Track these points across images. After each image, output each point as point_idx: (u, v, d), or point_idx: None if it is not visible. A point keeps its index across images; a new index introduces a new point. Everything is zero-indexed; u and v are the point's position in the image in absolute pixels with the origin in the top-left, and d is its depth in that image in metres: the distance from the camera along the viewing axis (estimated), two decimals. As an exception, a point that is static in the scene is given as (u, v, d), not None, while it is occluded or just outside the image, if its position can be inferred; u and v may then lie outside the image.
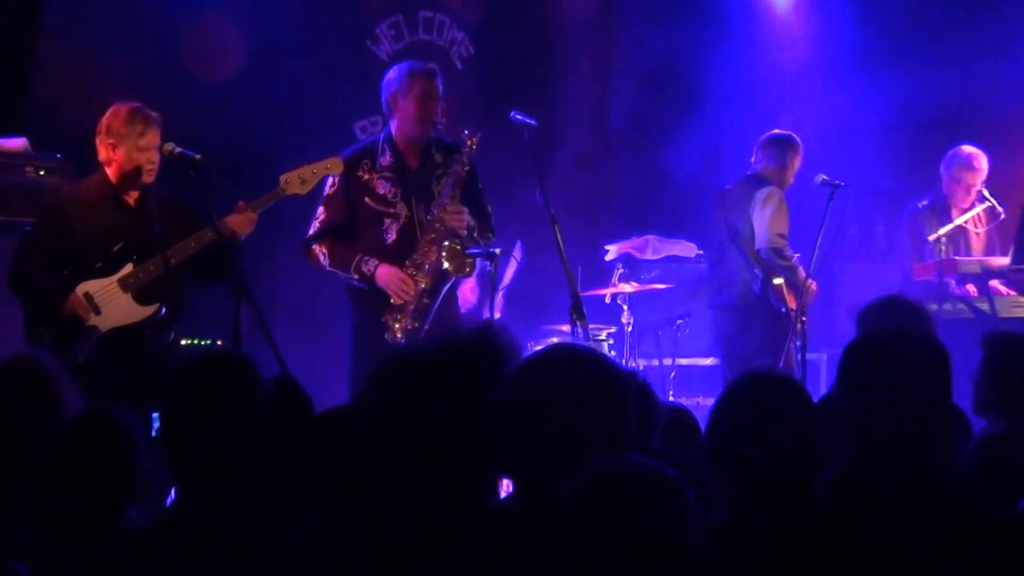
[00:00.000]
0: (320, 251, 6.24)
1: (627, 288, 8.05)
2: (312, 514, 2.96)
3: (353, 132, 8.67)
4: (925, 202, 8.25)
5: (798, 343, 7.23)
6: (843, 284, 9.11)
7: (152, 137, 5.77)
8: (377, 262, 6.13)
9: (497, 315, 6.70)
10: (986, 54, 9.35)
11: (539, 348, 2.55)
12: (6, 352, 4.17)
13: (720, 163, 8.70)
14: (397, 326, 6.11)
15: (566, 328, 6.78)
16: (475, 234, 6.24)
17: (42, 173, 6.63)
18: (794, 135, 7.83)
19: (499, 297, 6.88)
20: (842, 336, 6.98)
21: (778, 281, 7.55)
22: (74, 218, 5.77)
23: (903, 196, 8.72)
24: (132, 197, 5.85)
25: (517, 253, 8.30)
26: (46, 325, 5.69)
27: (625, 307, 8.10)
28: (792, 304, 7.49)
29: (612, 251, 9.07)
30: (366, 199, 6.22)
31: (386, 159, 6.27)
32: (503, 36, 9.37)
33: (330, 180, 6.16)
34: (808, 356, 7.39)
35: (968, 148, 8.18)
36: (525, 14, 9.45)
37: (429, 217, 6.19)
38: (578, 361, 2.51)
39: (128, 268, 5.75)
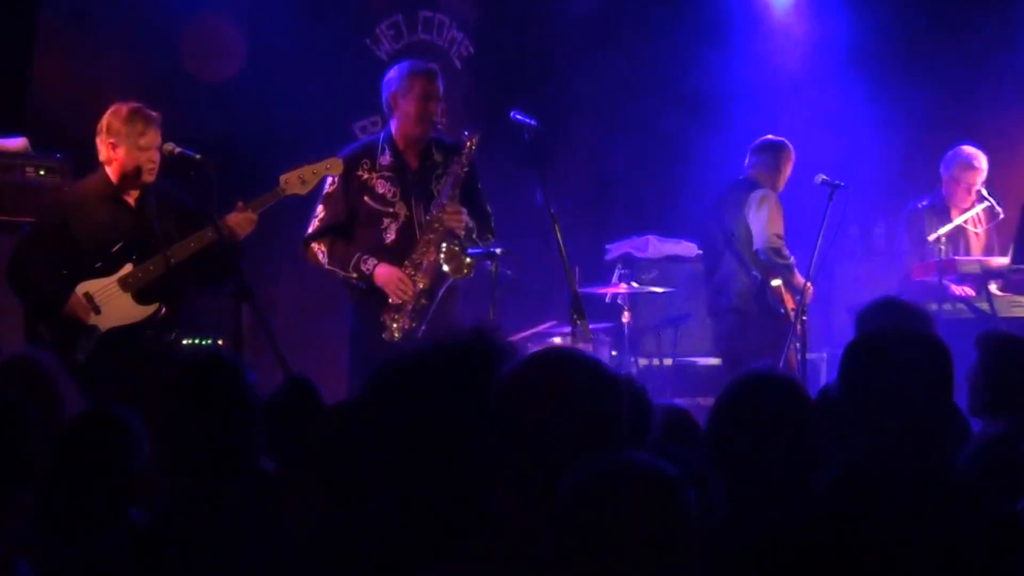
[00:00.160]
0: (319, 250, 6.24)
1: (627, 288, 8.05)
2: (312, 514, 2.96)
3: (353, 132, 8.66)
4: (925, 202, 8.25)
5: (798, 343, 7.24)
6: (843, 284, 9.11)
7: (152, 136, 5.78)
8: (376, 261, 6.14)
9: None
10: (986, 54, 9.36)
11: (531, 352, 2.55)
12: (6, 352, 4.17)
13: (720, 163, 8.69)
14: (395, 326, 6.11)
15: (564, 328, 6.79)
16: (474, 235, 6.24)
17: (42, 173, 6.63)
18: (787, 141, 7.86)
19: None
20: (842, 336, 7.00)
21: (776, 282, 7.57)
22: (74, 217, 5.78)
23: (903, 196, 8.72)
24: (132, 197, 5.85)
25: None
26: (46, 324, 5.69)
27: (625, 307, 8.10)
28: (790, 305, 7.51)
29: (612, 251, 9.08)
30: (365, 198, 6.22)
31: (386, 159, 6.27)
32: (503, 36, 9.37)
33: (329, 179, 6.16)
34: (808, 356, 7.40)
35: (968, 148, 8.18)
36: (525, 14, 9.44)
37: (428, 217, 6.19)
38: (568, 365, 2.51)
39: (128, 268, 5.75)
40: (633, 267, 8.54)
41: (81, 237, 5.76)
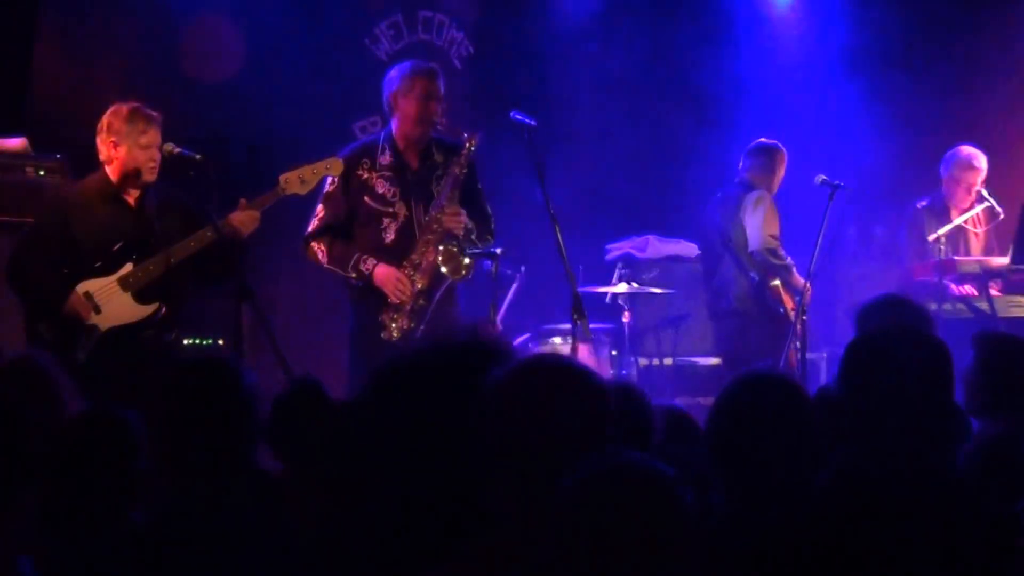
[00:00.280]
0: (319, 249, 6.24)
1: (627, 288, 8.05)
2: (312, 514, 2.96)
3: (353, 132, 8.66)
4: (924, 202, 8.26)
5: (798, 343, 7.24)
6: (843, 284, 9.10)
7: (153, 136, 5.78)
8: (375, 261, 6.13)
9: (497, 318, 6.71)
10: (986, 54, 9.36)
11: (519, 360, 2.54)
12: (6, 352, 4.17)
13: (720, 163, 8.69)
14: (394, 325, 6.11)
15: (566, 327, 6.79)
16: (474, 236, 6.24)
17: (42, 173, 6.63)
18: (779, 144, 7.87)
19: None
20: (842, 336, 6.99)
21: (775, 283, 7.59)
22: (74, 217, 5.78)
23: (903, 196, 8.72)
24: (133, 196, 5.85)
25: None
26: (46, 324, 5.69)
27: (625, 307, 8.10)
28: (789, 305, 7.52)
29: (612, 251, 9.08)
30: (365, 198, 6.22)
31: (386, 158, 6.26)
32: (503, 36, 9.37)
33: (330, 178, 6.16)
34: (808, 356, 7.40)
35: (968, 148, 8.18)
36: (525, 14, 9.44)
37: (427, 218, 6.19)
38: (554, 371, 2.50)
39: (128, 267, 5.75)
40: (633, 267, 8.54)
41: (81, 237, 5.76)
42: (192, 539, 2.88)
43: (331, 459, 3.10)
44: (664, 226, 9.21)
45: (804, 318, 7.25)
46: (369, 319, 6.15)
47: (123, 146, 5.76)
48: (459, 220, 6.15)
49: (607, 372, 7.88)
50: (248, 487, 3.04)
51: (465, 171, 6.21)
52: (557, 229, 6.03)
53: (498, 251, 6.22)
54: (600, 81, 9.47)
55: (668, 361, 8.63)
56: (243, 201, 5.77)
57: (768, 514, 2.88)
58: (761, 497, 2.93)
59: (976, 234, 8.24)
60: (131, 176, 5.79)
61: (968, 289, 7.94)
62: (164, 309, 5.77)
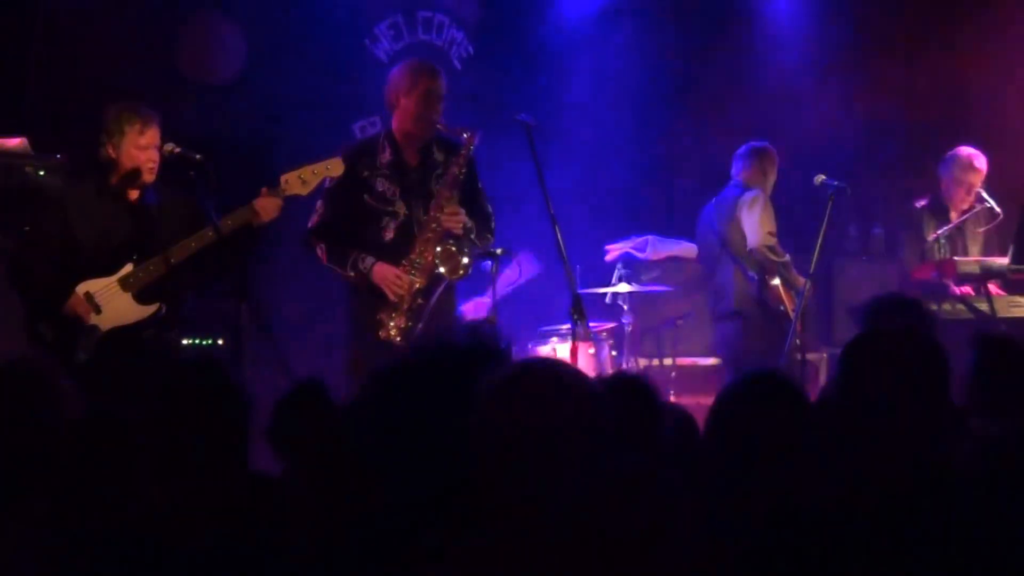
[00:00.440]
0: (318, 246, 6.24)
1: (627, 288, 8.05)
2: (312, 514, 2.96)
3: (352, 132, 8.67)
4: (924, 202, 8.25)
5: (798, 343, 7.24)
6: (843, 284, 9.11)
7: (152, 135, 5.78)
8: (373, 260, 6.13)
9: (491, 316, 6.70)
10: (986, 53, 9.35)
11: (512, 365, 2.54)
12: (6, 352, 4.17)
13: (720, 163, 8.69)
14: (392, 324, 6.10)
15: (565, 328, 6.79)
16: (473, 235, 6.24)
17: (42, 173, 6.63)
18: (769, 145, 7.87)
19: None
20: (842, 336, 7.00)
21: (775, 282, 7.59)
22: (74, 217, 5.78)
23: (902, 197, 8.72)
24: (132, 196, 5.86)
25: (524, 267, 8.27)
26: (47, 324, 5.69)
27: (625, 307, 8.10)
28: (789, 304, 7.52)
29: (612, 251, 9.08)
30: (365, 196, 6.22)
31: (386, 157, 6.27)
32: (503, 36, 9.37)
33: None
34: (808, 356, 7.40)
35: (967, 149, 8.18)
36: (525, 14, 9.45)
37: (426, 217, 6.19)
38: (541, 378, 2.50)
39: (128, 267, 5.75)
40: (633, 267, 8.55)
41: (81, 237, 5.77)
42: (192, 539, 2.88)
43: (332, 459, 3.10)
44: (664, 226, 9.21)
45: (804, 318, 7.25)
46: (367, 317, 6.14)
47: (122, 146, 5.77)
48: (458, 220, 6.15)
49: (609, 372, 7.88)
50: (246, 488, 3.04)
51: (464, 171, 6.21)
52: (557, 229, 6.03)
53: (499, 251, 6.22)
54: (600, 81, 9.47)
55: (668, 361, 8.64)
56: (265, 189, 5.79)
57: (767, 514, 2.88)
58: (760, 497, 2.93)
59: (975, 234, 8.24)
60: (131, 176, 5.79)
61: (968, 289, 7.94)
62: (164, 309, 5.78)
